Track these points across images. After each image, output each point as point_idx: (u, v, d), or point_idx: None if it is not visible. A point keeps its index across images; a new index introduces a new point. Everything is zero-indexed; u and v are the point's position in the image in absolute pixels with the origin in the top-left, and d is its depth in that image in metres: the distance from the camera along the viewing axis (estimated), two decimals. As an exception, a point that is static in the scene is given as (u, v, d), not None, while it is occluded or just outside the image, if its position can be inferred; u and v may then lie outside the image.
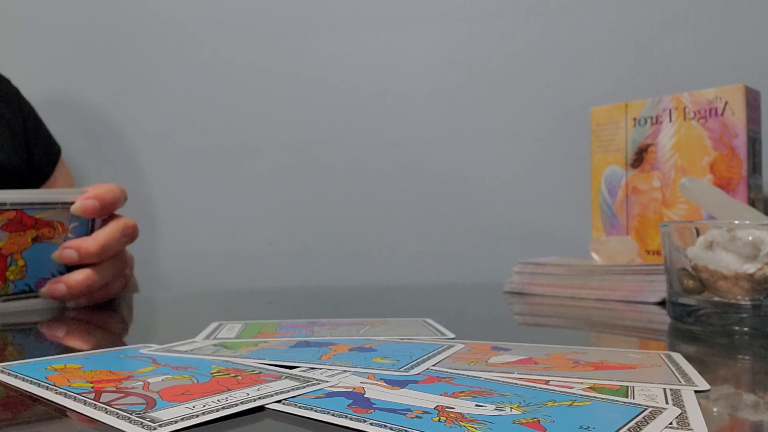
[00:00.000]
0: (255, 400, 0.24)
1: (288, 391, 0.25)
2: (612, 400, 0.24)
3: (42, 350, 0.42)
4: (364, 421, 0.22)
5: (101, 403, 0.24)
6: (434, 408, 0.23)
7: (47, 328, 0.48)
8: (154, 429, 0.21)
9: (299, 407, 0.23)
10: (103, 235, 0.54)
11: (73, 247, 0.53)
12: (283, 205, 0.95)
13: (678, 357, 0.32)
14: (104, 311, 0.55)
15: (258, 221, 0.96)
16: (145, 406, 0.24)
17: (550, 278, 0.62)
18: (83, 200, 0.53)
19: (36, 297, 0.53)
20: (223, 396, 0.25)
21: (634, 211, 0.67)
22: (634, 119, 0.67)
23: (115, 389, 0.26)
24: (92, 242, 0.53)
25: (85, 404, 0.24)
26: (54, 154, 0.87)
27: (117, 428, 0.21)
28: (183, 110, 0.98)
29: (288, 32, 0.94)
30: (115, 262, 0.56)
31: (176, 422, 0.22)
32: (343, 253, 0.93)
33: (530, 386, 0.26)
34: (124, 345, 0.36)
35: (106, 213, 0.56)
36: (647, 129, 0.66)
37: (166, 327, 0.55)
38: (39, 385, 0.27)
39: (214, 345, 0.36)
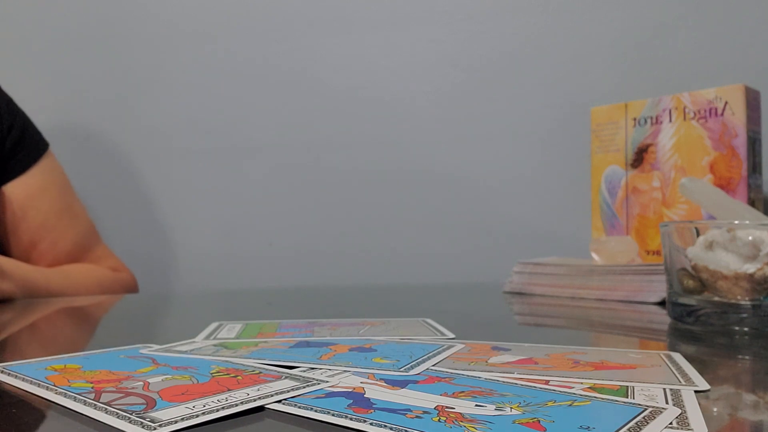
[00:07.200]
0: (255, 400, 0.24)
1: (288, 391, 0.25)
2: (612, 400, 0.24)
3: (42, 350, 0.42)
4: (364, 421, 0.22)
5: (101, 403, 0.24)
6: (434, 408, 0.23)
7: (46, 328, 0.48)
8: (154, 429, 0.21)
9: (299, 407, 0.23)
10: None
11: None
12: (283, 205, 0.95)
13: (678, 357, 0.32)
14: (104, 311, 0.54)
15: (258, 221, 0.96)
16: (145, 406, 0.24)
17: (550, 278, 0.62)
18: None
19: None
20: (223, 396, 0.25)
21: (634, 211, 0.67)
22: (634, 119, 0.67)
23: (115, 389, 0.26)
24: None
25: (85, 404, 0.24)
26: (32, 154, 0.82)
27: (117, 428, 0.21)
28: (183, 110, 0.98)
29: (288, 32, 0.94)
30: None
31: (176, 422, 0.22)
32: (343, 253, 0.93)
33: (530, 386, 0.26)
34: (124, 345, 0.36)
35: None
36: (647, 129, 0.66)
37: (166, 327, 0.55)
38: (39, 385, 0.27)
39: (214, 345, 0.36)
